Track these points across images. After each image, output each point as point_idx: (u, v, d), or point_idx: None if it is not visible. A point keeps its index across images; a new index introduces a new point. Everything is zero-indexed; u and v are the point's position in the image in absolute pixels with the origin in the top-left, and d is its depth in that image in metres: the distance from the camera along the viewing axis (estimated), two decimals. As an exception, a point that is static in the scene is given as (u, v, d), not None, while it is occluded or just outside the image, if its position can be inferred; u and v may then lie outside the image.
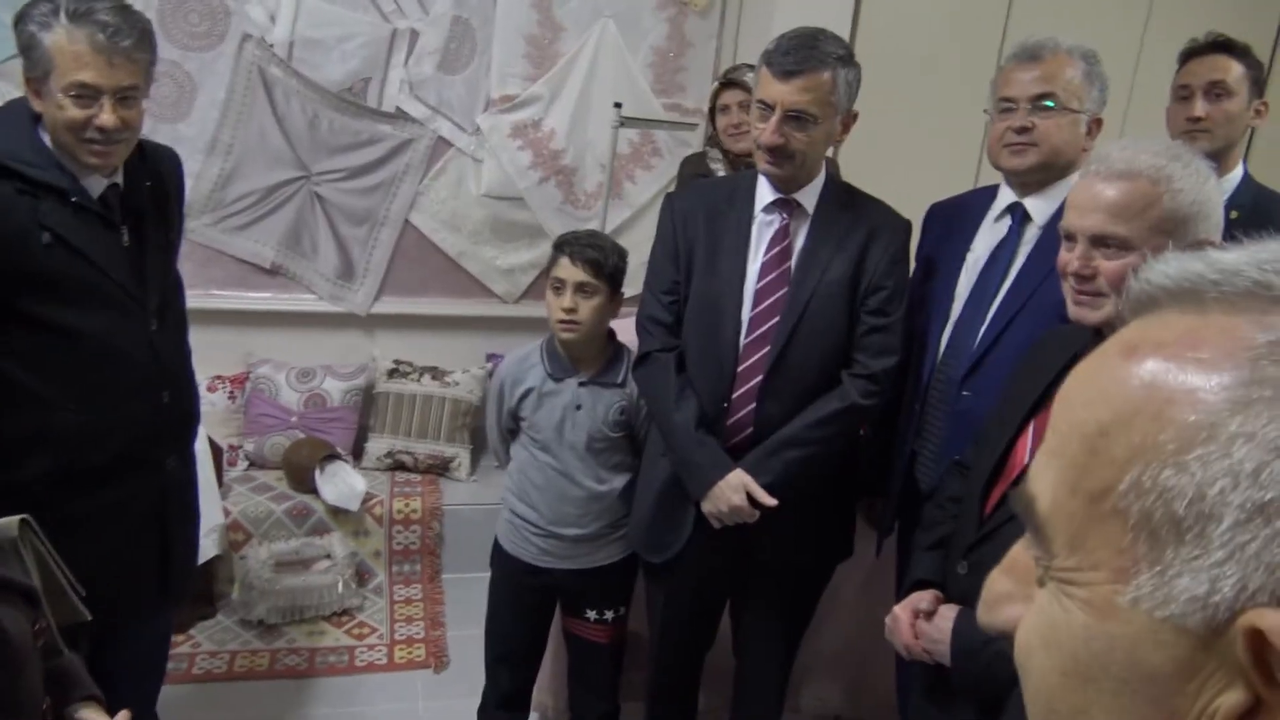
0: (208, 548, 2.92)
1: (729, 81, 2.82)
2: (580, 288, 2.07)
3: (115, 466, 1.83)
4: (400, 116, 3.42)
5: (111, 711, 2.13)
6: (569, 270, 2.08)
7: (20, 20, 1.65)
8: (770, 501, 1.90)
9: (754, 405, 1.94)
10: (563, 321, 2.08)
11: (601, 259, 2.07)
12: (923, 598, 1.55)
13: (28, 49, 1.65)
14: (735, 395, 1.96)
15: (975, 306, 1.93)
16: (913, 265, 2.10)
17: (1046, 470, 0.49)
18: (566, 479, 2.16)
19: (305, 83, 3.31)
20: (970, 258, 1.99)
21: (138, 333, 1.81)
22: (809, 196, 1.95)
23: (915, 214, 2.02)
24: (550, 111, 3.51)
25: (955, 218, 2.07)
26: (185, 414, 1.98)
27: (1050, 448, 0.49)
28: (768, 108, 1.84)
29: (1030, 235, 1.91)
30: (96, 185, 1.75)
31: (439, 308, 3.62)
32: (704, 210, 2.00)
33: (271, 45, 3.25)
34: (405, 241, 3.55)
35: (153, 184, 1.86)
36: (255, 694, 2.77)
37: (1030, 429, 1.47)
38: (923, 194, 2.19)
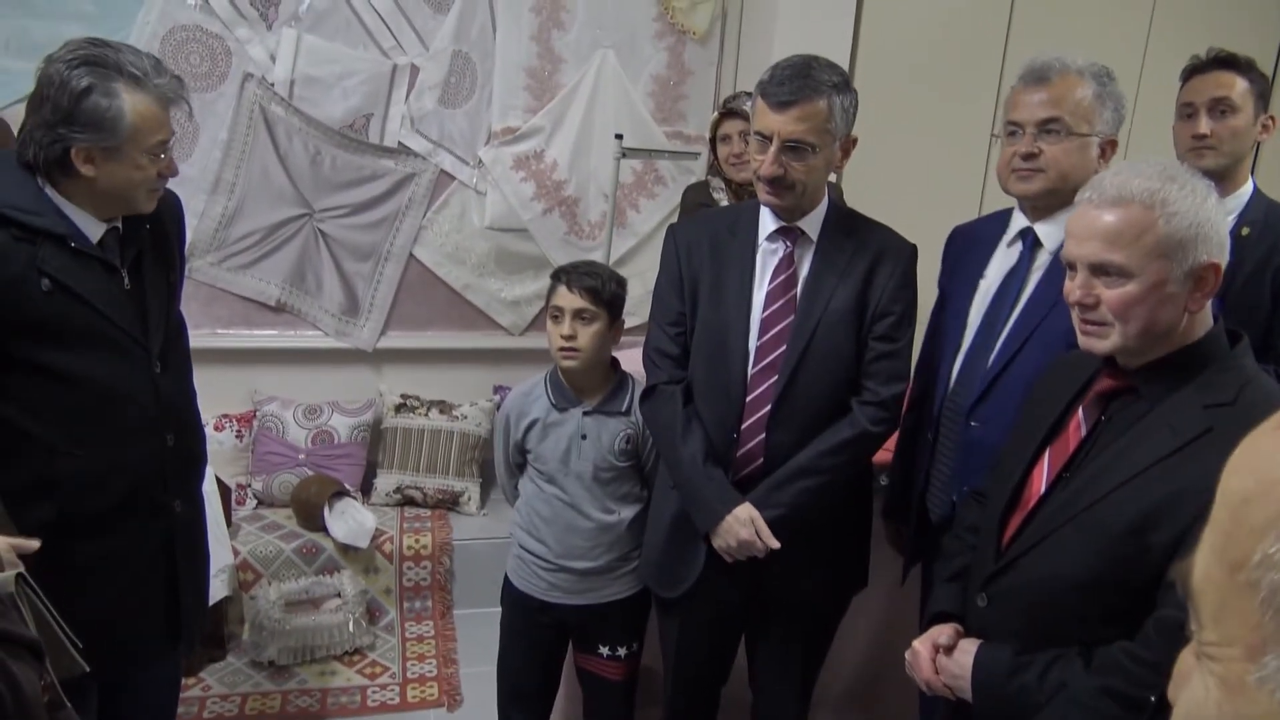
0: (217, 589, 2.91)
1: (728, 111, 2.82)
2: (578, 315, 2.06)
3: (120, 511, 1.81)
4: (402, 151, 3.43)
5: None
6: (566, 298, 2.07)
7: (79, 95, 1.66)
8: (774, 543, 1.88)
9: (763, 435, 1.92)
10: (563, 349, 2.07)
11: (598, 285, 2.07)
12: (942, 632, 1.52)
13: (98, 123, 1.66)
14: (744, 426, 1.94)
15: (985, 335, 1.91)
16: (933, 291, 2.08)
17: (1203, 540, 0.47)
18: (574, 510, 2.13)
19: (307, 120, 3.31)
20: (983, 285, 1.97)
21: (140, 376, 1.81)
22: (812, 224, 1.94)
23: (921, 237, 2.00)
24: (552, 143, 3.51)
25: (970, 243, 2.05)
26: (191, 456, 1.97)
27: (1210, 517, 0.48)
28: (765, 138, 1.83)
29: (1041, 261, 1.88)
30: (96, 229, 1.75)
31: (445, 341, 3.61)
32: (708, 241, 1.99)
33: (272, 84, 3.26)
34: (410, 276, 3.55)
35: (152, 226, 1.86)
36: (267, 737, 2.74)
37: (1045, 458, 1.44)
38: (928, 217, 2.18)
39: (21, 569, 1.14)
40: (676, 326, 2.01)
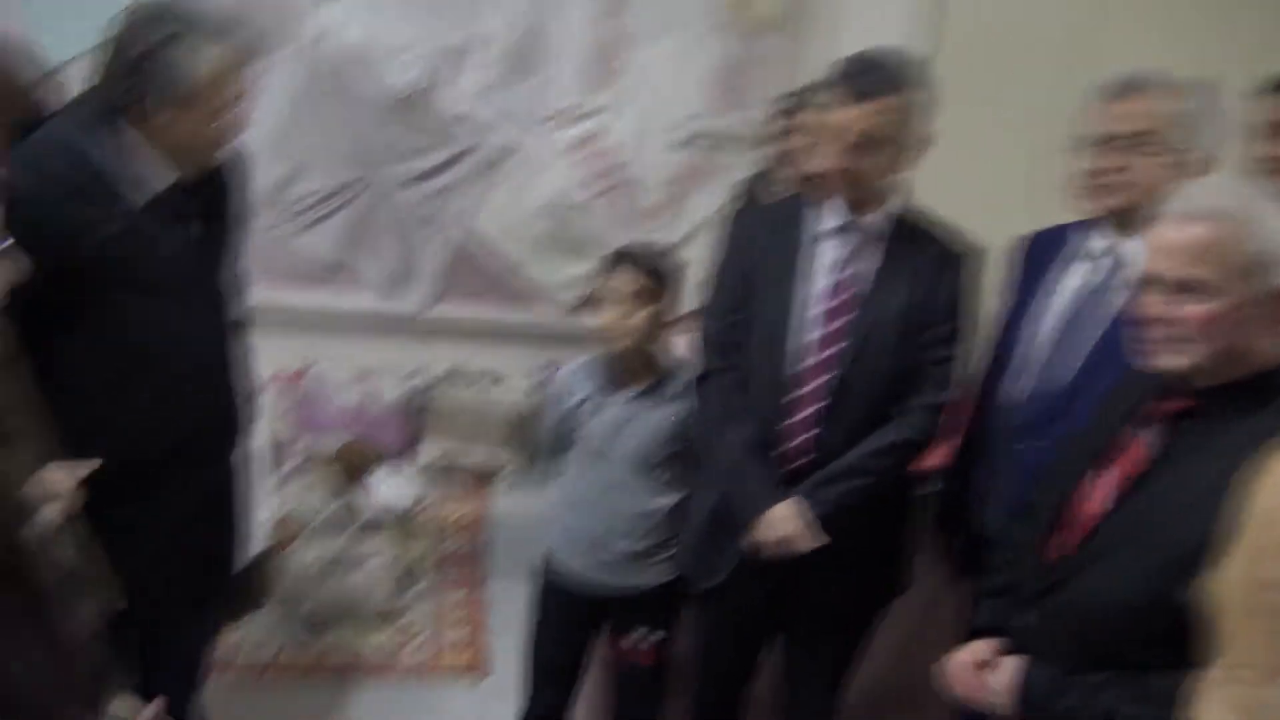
0: (258, 543, 2.96)
1: (797, 103, 2.79)
2: (631, 297, 2.06)
3: (171, 460, 1.85)
4: (463, 124, 3.45)
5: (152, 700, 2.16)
6: (621, 279, 2.07)
7: (155, 49, 1.69)
8: (817, 540, 1.87)
9: (814, 431, 1.92)
10: (614, 331, 2.08)
11: (653, 269, 2.07)
12: (983, 647, 1.51)
13: (173, 75, 1.69)
14: (793, 420, 1.93)
15: (1060, 352, 1.87)
16: (1000, 298, 2.05)
17: (1231, 558, 0.47)
18: (616, 492, 2.14)
19: (371, 87, 3.34)
20: (1056, 300, 1.92)
21: (198, 327, 1.84)
22: (878, 221, 1.92)
23: (991, 243, 1.97)
24: (612, 125, 3.51)
25: (1043, 254, 2.00)
26: (238, 411, 2.00)
27: (1240, 536, 0.47)
28: (836, 131, 1.82)
29: (1125, 280, 1.81)
30: (165, 179, 1.78)
31: (495, 315, 3.63)
32: (767, 230, 1.98)
33: (340, 48, 3.28)
34: (464, 248, 3.57)
35: (219, 180, 1.89)
36: (299, 689, 2.79)
37: (1101, 477, 1.42)
38: (1002, 222, 2.13)
39: (75, 499, 1.17)
40: (730, 315, 2.01)
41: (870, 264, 1.93)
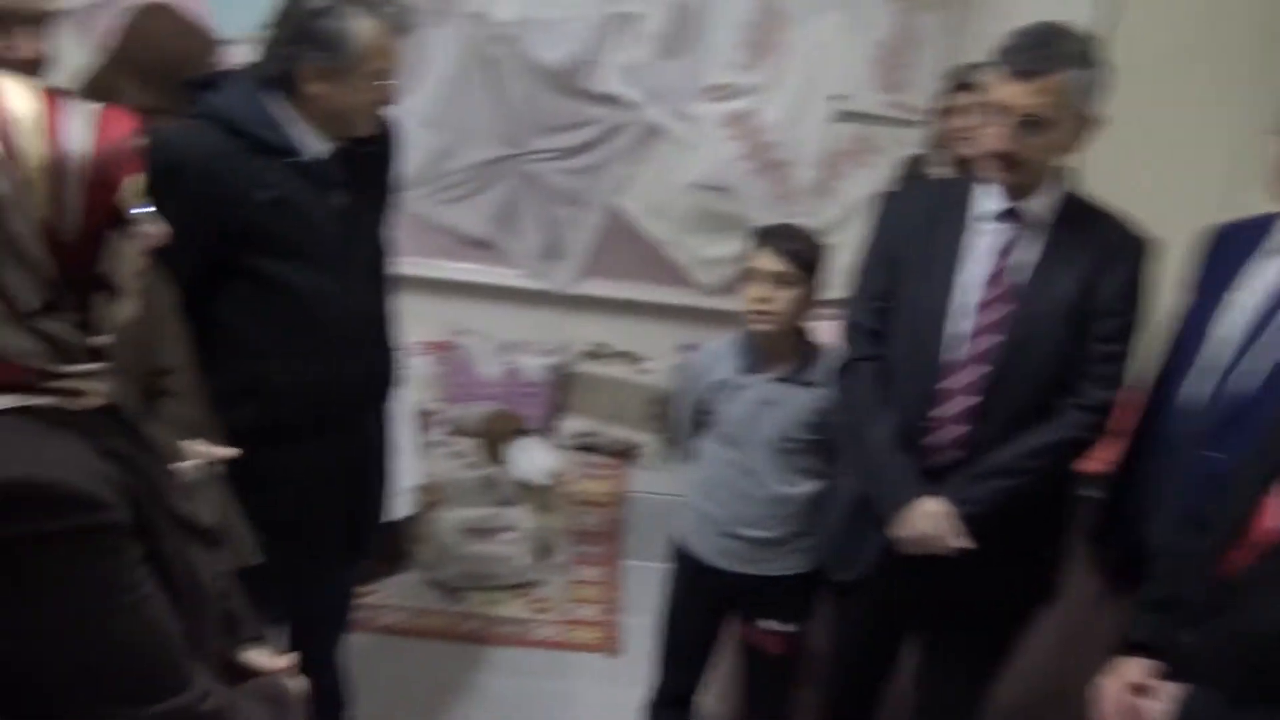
0: (402, 506, 3.04)
1: (961, 82, 2.66)
2: (776, 278, 2.00)
3: (316, 422, 1.90)
4: (614, 100, 3.44)
5: (315, 655, 2.23)
6: (766, 260, 2.02)
7: (314, 15, 1.74)
8: (964, 542, 1.78)
9: (964, 428, 1.82)
10: (757, 312, 2.02)
11: (800, 250, 2.01)
12: (1139, 669, 1.40)
13: (328, 43, 1.73)
14: (941, 414, 1.84)
15: (1248, 354, 1.71)
16: (1182, 293, 1.90)
17: None
18: (751, 477, 2.10)
19: (524, 62, 3.37)
20: (1237, 297, 1.75)
21: (344, 293, 1.88)
22: (1042, 208, 1.80)
23: (1166, 235, 1.82)
24: (766, 102, 3.44)
25: (1228, 248, 1.84)
26: (385, 376, 2.04)
27: None
28: (999, 111, 1.71)
29: None
30: (317, 147, 1.82)
31: (640, 293, 3.62)
32: (922, 214, 1.89)
33: (496, 24, 3.32)
34: (611, 225, 3.58)
35: (371, 149, 1.93)
36: (434, 652, 2.87)
37: (1276, 492, 1.29)
38: (1178, 214, 1.97)
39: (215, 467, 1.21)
40: (878, 301, 1.92)
41: (1032, 253, 1.81)
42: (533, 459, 3.32)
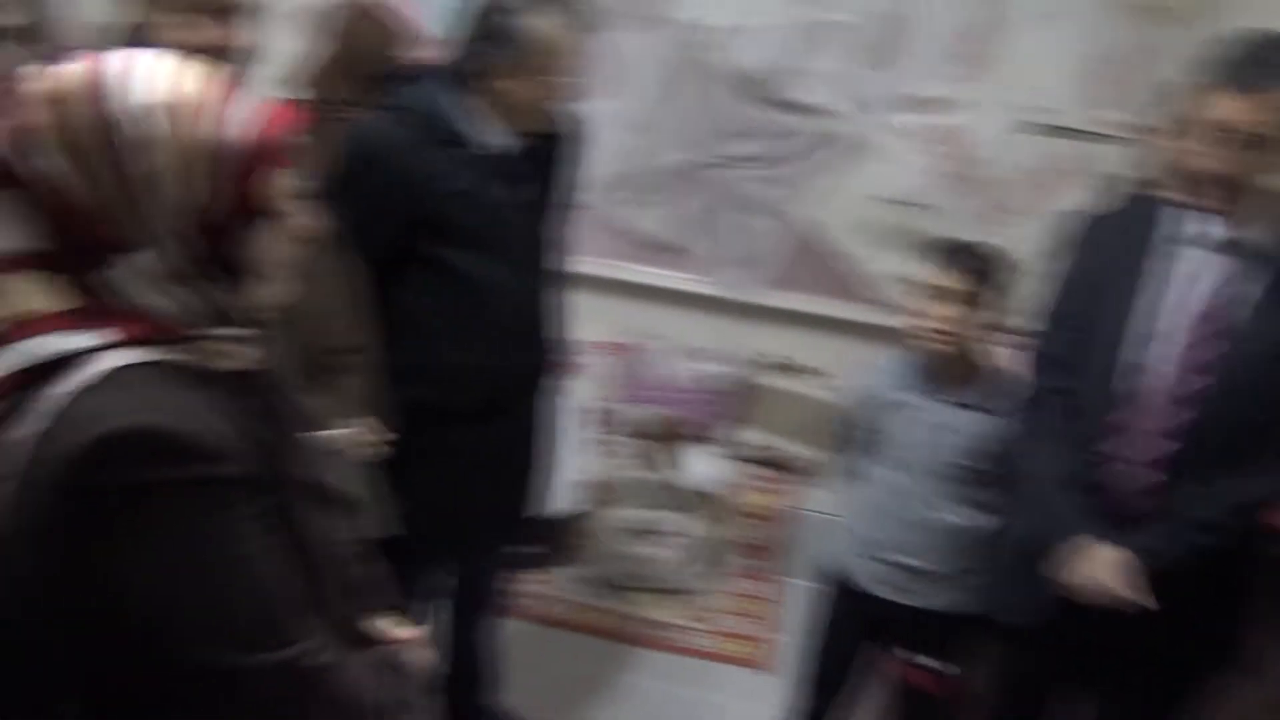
0: (572, 501, 3.11)
1: (1179, 96, 2.45)
2: (956, 297, 1.90)
3: (480, 408, 1.96)
4: (814, 110, 3.37)
5: (462, 634, 2.31)
6: (946, 278, 1.92)
7: (497, 12, 1.80)
8: (1145, 600, 1.63)
9: (1157, 476, 1.66)
10: (935, 332, 1.93)
11: (984, 268, 1.90)
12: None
13: (509, 39, 1.79)
14: (1131, 458, 1.69)
15: None
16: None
17: None
18: (915, 503, 2.00)
19: (731, 69, 3.35)
20: None
21: (518, 284, 1.93)
22: (1265, 238, 1.63)
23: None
24: (973, 116, 3.28)
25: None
26: (552, 368, 2.08)
27: None
28: (1218, 128, 1.56)
29: None
30: (503, 142, 1.88)
31: (828, 308, 3.53)
32: (1124, 238, 1.74)
33: (703, 30, 3.32)
34: (803, 237, 3.50)
35: (555, 146, 1.97)
36: (588, 647, 2.90)
37: None
38: None
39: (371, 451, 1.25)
40: (1067, 330, 1.79)
41: (1250, 288, 1.64)
42: (704, 467, 3.31)
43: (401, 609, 1.26)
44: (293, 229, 0.97)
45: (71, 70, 0.88)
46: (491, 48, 1.80)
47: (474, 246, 1.89)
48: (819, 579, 2.26)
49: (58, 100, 0.86)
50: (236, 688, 0.90)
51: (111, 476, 0.83)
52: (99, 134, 0.85)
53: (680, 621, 3.05)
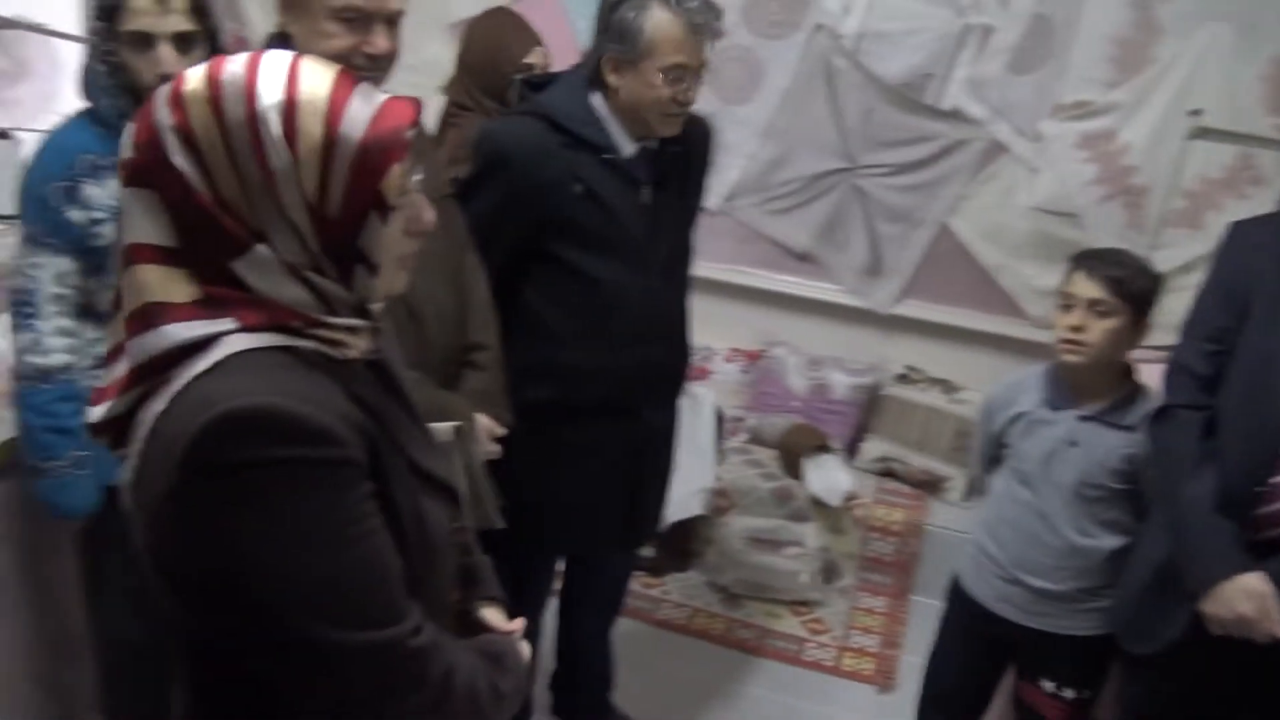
0: (693, 506, 3.09)
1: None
2: (1092, 305, 1.81)
3: (599, 407, 1.97)
4: (957, 116, 3.28)
5: (576, 632, 2.33)
6: (1082, 285, 1.83)
7: (612, 8, 1.83)
8: None
9: None
10: (1066, 342, 1.84)
11: (1122, 277, 1.79)
12: None
13: (622, 33, 1.81)
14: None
15: None
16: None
17: None
18: (1043, 522, 1.91)
19: (866, 75, 3.30)
20: None
21: (640, 286, 1.93)
22: None
23: None
24: (1128, 123, 3.13)
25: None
26: (672, 370, 2.08)
27: None
28: None
29: None
30: (629, 145, 1.89)
31: (963, 319, 3.43)
32: (1276, 247, 1.63)
33: (841, 36, 3.28)
34: (939, 246, 3.42)
35: (680, 150, 1.96)
36: (704, 654, 2.88)
37: None
38: None
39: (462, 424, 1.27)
40: (1214, 343, 1.68)
41: None
42: (829, 477, 3.25)
43: (504, 601, 1.28)
44: (409, 222, 1.00)
45: (199, 72, 0.92)
46: (606, 42, 1.81)
47: (596, 248, 1.90)
48: (944, 596, 2.19)
49: (187, 101, 0.90)
50: (339, 663, 0.92)
51: (227, 454, 0.86)
52: (224, 133, 0.89)
53: (800, 633, 3.00)
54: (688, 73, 1.81)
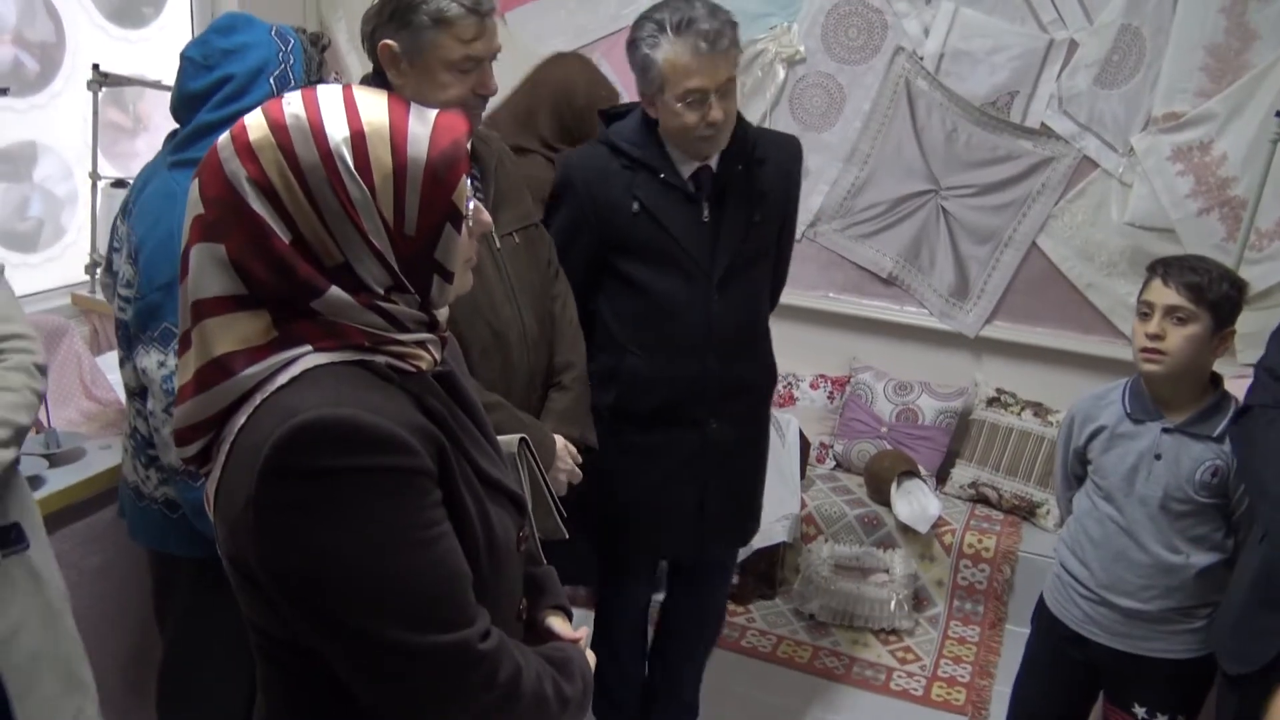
0: (778, 533, 3.07)
1: None
2: (1170, 312, 1.75)
3: (658, 415, 2.04)
4: (1044, 133, 3.22)
5: (662, 653, 2.33)
6: (1160, 292, 1.77)
7: (631, 45, 1.90)
8: None
9: None
10: (1145, 350, 1.78)
11: (1202, 283, 1.73)
12: None
13: (642, 70, 1.89)
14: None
15: None
16: None
17: None
18: (1129, 537, 1.85)
19: (949, 95, 3.27)
20: None
21: (698, 299, 1.99)
22: None
23: None
24: (1224, 133, 3.02)
25: None
26: (735, 382, 2.09)
27: None
28: None
29: None
30: (688, 166, 1.95)
31: (1054, 340, 3.34)
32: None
33: (921, 58, 3.26)
34: (1028, 266, 3.33)
35: (745, 167, 1.99)
36: (789, 682, 2.84)
37: None
38: None
39: (524, 436, 1.30)
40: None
41: None
42: (917, 503, 3.19)
43: (569, 611, 1.29)
44: (474, 227, 1.04)
45: (259, 119, 0.95)
46: (638, 79, 1.89)
47: (654, 262, 1.98)
48: (1031, 619, 2.13)
49: (257, 149, 0.93)
50: (410, 664, 0.95)
51: (305, 461, 0.90)
52: (299, 174, 0.93)
53: (887, 662, 2.94)
54: (707, 95, 1.84)
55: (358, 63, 3.76)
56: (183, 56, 1.73)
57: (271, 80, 1.69)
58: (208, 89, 1.68)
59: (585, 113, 2.26)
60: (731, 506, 2.17)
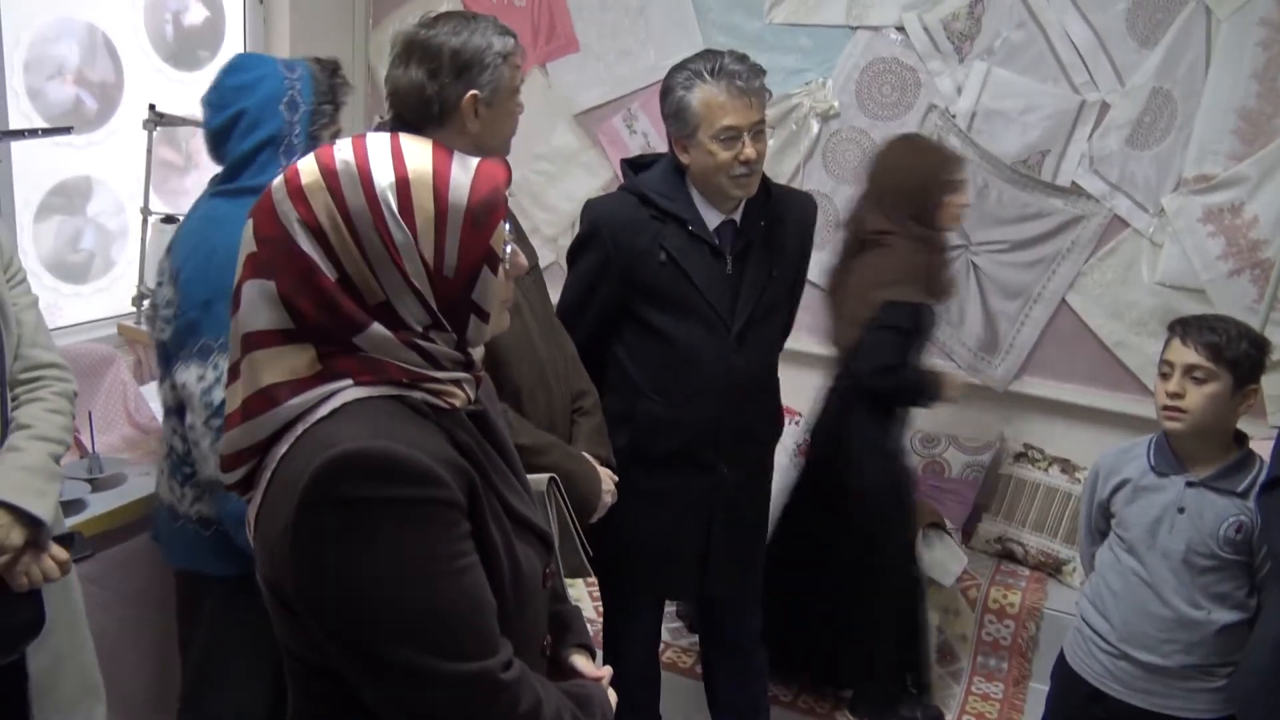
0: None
1: None
2: (1189, 371, 1.78)
3: (674, 458, 2.09)
4: (1075, 191, 3.25)
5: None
6: (1179, 351, 1.80)
7: (665, 93, 1.98)
8: None
9: None
10: (1166, 409, 1.80)
11: (1220, 342, 1.75)
12: None
13: (678, 113, 1.96)
14: None
15: None
16: None
17: None
18: (1150, 591, 1.85)
19: (981, 153, 3.31)
20: None
21: (717, 349, 2.04)
22: None
23: None
24: (1256, 195, 3.04)
25: None
26: (749, 430, 2.14)
27: None
28: None
29: None
30: (714, 219, 2.01)
31: (1083, 397, 3.34)
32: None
33: (954, 115, 3.31)
34: (1058, 322, 3.35)
35: (768, 224, 2.05)
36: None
37: None
38: None
39: (554, 475, 1.33)
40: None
41: None
42: (941, 556, 3.17)
43: (593, 649, 1.32)
44: (510, 270, 1.08)
45: (311, 165, 1.00)
46: (672, 125, 1.95)
47: (676, 310, 2.04)
48: (1051, 675, 2.12)
49: (308, 193, 0.98)
50: (434, 690, 0.98)
51: (342, 491, 0.94)
52: (346, 217, 0.98)
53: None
54: (741, 133, 1.91)
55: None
56: (201, 102, 1.83)
57: (282, 106, 1.77)
58: (226, 125, 1.78)
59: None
60: (738, 549, 2.21)
